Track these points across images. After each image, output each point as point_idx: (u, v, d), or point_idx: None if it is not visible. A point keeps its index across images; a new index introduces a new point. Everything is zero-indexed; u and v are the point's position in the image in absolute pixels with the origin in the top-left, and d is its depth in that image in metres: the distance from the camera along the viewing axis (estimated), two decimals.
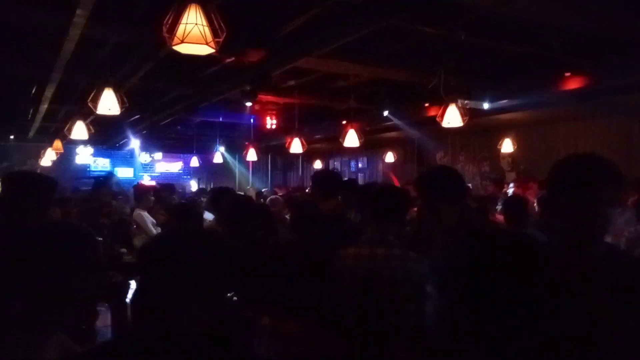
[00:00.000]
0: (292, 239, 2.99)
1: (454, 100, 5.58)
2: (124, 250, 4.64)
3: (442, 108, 5.54)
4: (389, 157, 11.40)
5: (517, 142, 8.74)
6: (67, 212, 4.92)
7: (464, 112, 5.54)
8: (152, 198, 5.35)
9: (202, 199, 6.69)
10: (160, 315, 1.10)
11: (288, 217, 4.96)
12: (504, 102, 7.00)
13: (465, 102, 6.21)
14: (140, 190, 5.49)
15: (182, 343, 1.07)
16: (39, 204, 2.24)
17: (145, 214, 5.03)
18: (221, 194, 4.28)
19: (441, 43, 5.25)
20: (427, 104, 7.66)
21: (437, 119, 5.54)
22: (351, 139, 7.05)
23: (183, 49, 2.75)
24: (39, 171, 13.30)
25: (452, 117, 5.52)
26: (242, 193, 8.14)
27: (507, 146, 8.74)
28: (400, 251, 2.26)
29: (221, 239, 1.37)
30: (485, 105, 6.98)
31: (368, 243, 2.34)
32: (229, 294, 2.16)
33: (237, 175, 17.27)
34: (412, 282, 2.13)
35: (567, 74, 6.01)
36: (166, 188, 6.77)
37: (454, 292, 1.16)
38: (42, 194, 2.26)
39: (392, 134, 10.11)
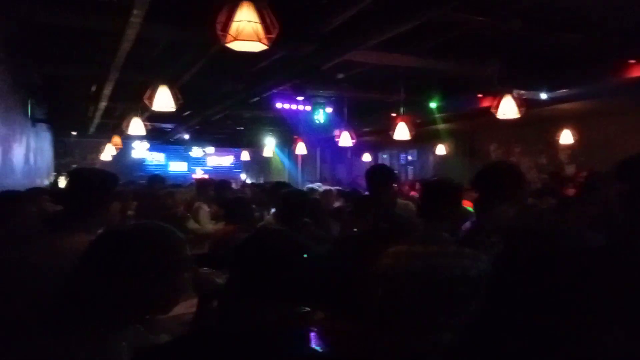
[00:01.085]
0: (349, 235, 2.98)
1: (510, 91, 5.39)
2: None
3: (496, 99, 5.36)
4: (440, 150, 11.16)
5: (577, 133, 8.35)
6: (126, 205, 5.14)
7: (520, 102, 5.34)
8: (212, 192, 5.49)
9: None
10: (249, 311, 1.15)
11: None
12: (562, 92, 6.69)
13: (522, 92, 5.98)
14: (202, 184, 5.64)
15: (260, 338, 1.10)
16: (102, 199, 2.33)
17: (205, 207, 5.17)
18: (278, 188, 4.38)
19: (495, 32, 5.06)
20: (480, 95, 7.43)
21: (492, 110, 5.37)
22: (401, 132, 6.96)
23: (236, 46, 2.78)
24: (98, 165, 13.95)
25: (508, 108, 5.34)
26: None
27: (566, 137, 8.36)
28: (456, 248, 2.20)
29: (306, 243, 1.41)
30: (543, 96, 6.69)
31: (421, 240, 2.29)
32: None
33: (286, 168, 17.44)
34: (470, 281, 2.07)
35: (632, 61, 5.67)
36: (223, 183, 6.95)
37: (501, 297, 1.11)
38: (104, 189, 2.35)
39: (443, 126, 9.89)
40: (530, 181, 9.05)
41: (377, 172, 4.02)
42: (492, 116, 5.53)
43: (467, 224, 2.69)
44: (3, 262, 2.26)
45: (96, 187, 2.33)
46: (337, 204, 5.29)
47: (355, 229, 3.20)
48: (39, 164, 7.91)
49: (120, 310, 1.30)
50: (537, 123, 9.11)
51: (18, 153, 5.00)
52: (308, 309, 2.20)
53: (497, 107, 5.33)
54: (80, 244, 2.21)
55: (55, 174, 12.38)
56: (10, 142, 4.39)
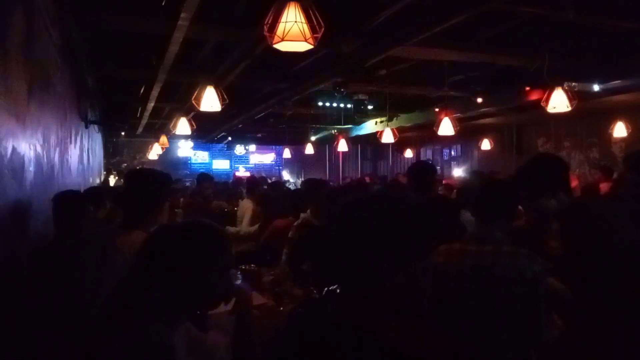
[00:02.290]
0: None
1: (560, 83, 5.21)
2: None
3: (546, 92, 5.19)
4: (485, 145, 10.91)
5: (631, 125, 7.97)
6: (174, 203, 5.29)
7: (572, 95, 5.15)
8: (262, 190, 5.58)
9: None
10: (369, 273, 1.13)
11: None
12: (616, 83, 6.40)
13: (573, 84, 5.76)
14: (252, 182, 5.75)
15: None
16: (157, 198, 2.41)
17: (252, 206, 5.25)
18: (317, 186, 4.41)
19: (545, 23, 4.90)
20: (527, 88, 7.21)
21: (542, 104, 5.20)
22: (446, 127, 6.84)
23: (283, 47, 2.80)
24: (146, 164, 14.38)
25: (558, 101, 5.16)
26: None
27: (619, 130, 8.00)
28: (511, 248, 2.15)
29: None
30: (595, 87, 6.43)
31: (474, 239, 2.26)
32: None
33: (327, 165, 17.48)
34: (525, 281, 2.02)
35: None
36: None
37: None
38: (159, 189, 2.43)
39: (489, 120, 9.67)
40: (581, 176, 8.73)
41: (419, 168, 4.00)
42: (540, 109, 5.36)
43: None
44: (67, 260, 2.38)
45: (152, 187, 2.41)
46: None
47: None
48: (91, 163, 8.24)
49: (172, 306, 1.35)
50: (588, 116, 8.77)
51: (74, 154, 5.22)
52: None
53: (547, 100, 5.16)
54: (137, 242, 2.30)
55: (105, 172, 12.87)
56: (67, 143, 4.59)
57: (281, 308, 2.64)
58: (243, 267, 3.33)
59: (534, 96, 6.96)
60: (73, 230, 2.77)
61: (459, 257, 2.22)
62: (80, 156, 6.04)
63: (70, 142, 4.93)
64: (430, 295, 2.25)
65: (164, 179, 2.48)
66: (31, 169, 2.76)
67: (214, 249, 1.40)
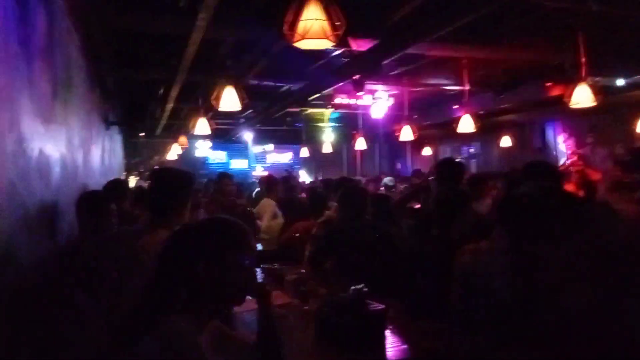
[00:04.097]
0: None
1: (584, 78, 5.09)
2: None
3: (569, 87, 5.08)
4: (505, 142, 10.76)
5: None
6: (196, 202, 5.32)
7: (596, 90, 5.03)
8: (281, 189, 5.59)
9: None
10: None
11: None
12: None
13: (597, 79, 5.63)
14: (271, 181, 5.76)
15: None
16: (182, 197, 2.43)
17: (274, 204, 5.27)
18: (341, 184, 4.42)
19: (569, 16, 4.80)
20: (549, 83, 7.10)
21: (564, 100, 5.09)
22: (466, 125, 6.76)
23: (304, 45, 2.78)
24: (165, 165, 14.51)
25: (582, 97, 5.04)
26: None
27: None
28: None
29: None
30: (620, 82, 6.29)
31: (501, 238, 2.21)
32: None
33: (345, 164, 17.44)
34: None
35: None
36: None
37: None
38: (184, 188, 2.45)
39: (509, 116, 9.53)
40: (605, 172, 8.55)
41: (446, 166, 3.96)
42: (562, 105, 5.24)
43: None
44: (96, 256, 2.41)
45: (176, 185, 2.43)
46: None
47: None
48: (112, 164, 8.34)
49: (197, 304, 1.35)
50: (612, 111, 8.57)
51: (96, 154, 5.29)
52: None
53: (570, 95, 5.05)
54: (162, 241, 2.31)
55: (125, 173, 13.02)
56: (89, 144, 4.65)
57: (306, 307, 2.63)
58: (266, 266, 3.33)
59: (557, 91, 6.84)
60: (97, 230, 2.81)
61: (486, 256, 2.18)
62: (101, 157, 6.12)
63: (92, 143, 4.99)
64: (459, 296, 2.21)
65: (187, 178, 2.50)
66: (57, 169, 2.79)
67: (235, 244, 1.41)
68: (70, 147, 3.39)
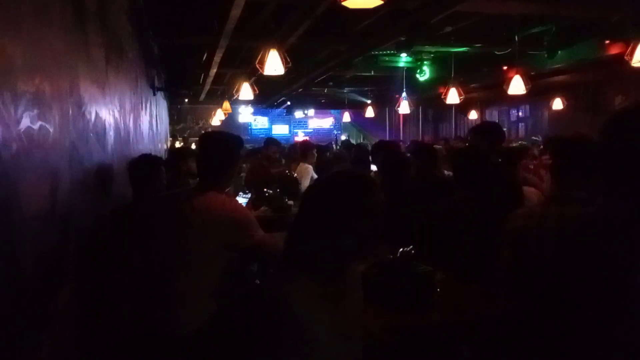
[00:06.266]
0: (464, 196, 2.89)
1: None
2: (291, 202, 4.97)
3: (631, 45, 4.79)
4: (557, 104, 10.29)
5: None
6: (239, 166, 5.43)
7: None
8: (315, 153, 5.62)
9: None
10: None
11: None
12: None
13: None
14: (306, 147, 5.80)
15: None
16: (231, 160, 2.48)
17: (310, 168, 5.32)
18: (380, 149, 4.40)
19: None
20: (607, 41, 6.69)
21: (625, 58, 4.81)
22: (516, 86, 6.50)
23: (351, 3, 2.72)
24: (209, 129, 14.76)
25: None
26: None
27: None
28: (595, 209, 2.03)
29: None
30: None
31: (555, 200, 2.15)
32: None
33: (387, 128, 17.24)
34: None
35: None
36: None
37: None
38: (232, 151, 2.49)
39: (561, 77, 9.08)
40: None
41: (487, 130, 3.87)
42: (619, 65, 4.96)
43: None
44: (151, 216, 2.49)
45: (225, 148, 2.47)
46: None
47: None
48: (159, 129, 8.55)
49: (335, 255, 1.39)
50: None
51: (145, 120, 5.42)
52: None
53: (631, 54, 4.76)
54: (212, 202, 2.37)
55: (171, 138, 13.34)
56: (139, 109, 4.77)
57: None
58: None
59: (615, 50, 6.45)
60: (150, 192, 2.90)
61: (538, 220, 2.12)
62: (150, 122, 6.27)
63: (142, 109, 5.11)
64: (508, 260, 2.18)
65: (236, 141, 2.53)
66: (111, 133, 2.89)
67: (364, 196, 1.42)
68: (123, 112, 3.49)
